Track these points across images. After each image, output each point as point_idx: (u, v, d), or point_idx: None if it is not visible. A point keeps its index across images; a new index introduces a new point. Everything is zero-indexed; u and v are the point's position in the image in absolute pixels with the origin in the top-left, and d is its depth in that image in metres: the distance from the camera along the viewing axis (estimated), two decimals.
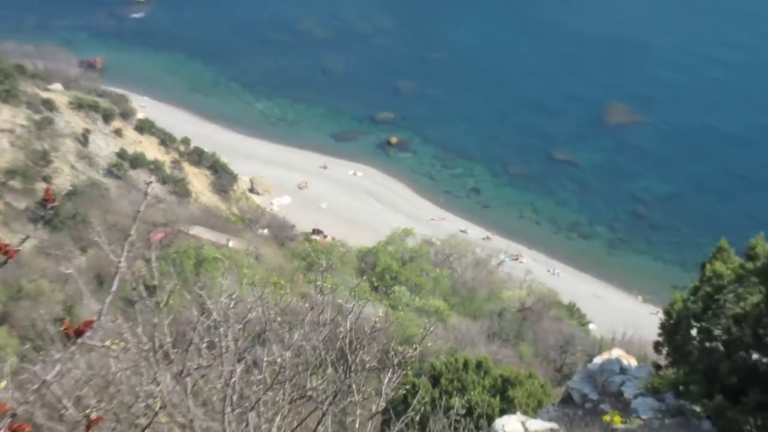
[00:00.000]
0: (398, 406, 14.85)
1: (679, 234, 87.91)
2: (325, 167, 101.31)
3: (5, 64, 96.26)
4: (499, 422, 15.63)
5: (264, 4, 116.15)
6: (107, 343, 11.05)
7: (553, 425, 15.92)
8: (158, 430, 10.40)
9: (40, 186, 79.16)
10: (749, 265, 17.38)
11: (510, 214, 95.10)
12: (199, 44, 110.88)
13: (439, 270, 74.26)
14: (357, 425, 12.48)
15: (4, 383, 4.52)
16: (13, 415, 3.15)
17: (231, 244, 76.11)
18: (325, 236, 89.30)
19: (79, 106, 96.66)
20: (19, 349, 35.58)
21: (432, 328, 37.71)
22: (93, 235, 54.99)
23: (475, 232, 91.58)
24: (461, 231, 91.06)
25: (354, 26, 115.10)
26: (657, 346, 18.67)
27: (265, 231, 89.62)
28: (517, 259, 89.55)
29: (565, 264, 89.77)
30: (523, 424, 15.65)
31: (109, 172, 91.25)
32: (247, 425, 10.83)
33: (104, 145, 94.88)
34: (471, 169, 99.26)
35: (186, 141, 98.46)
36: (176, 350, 11.63)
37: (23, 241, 3.25)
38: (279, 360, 11.85)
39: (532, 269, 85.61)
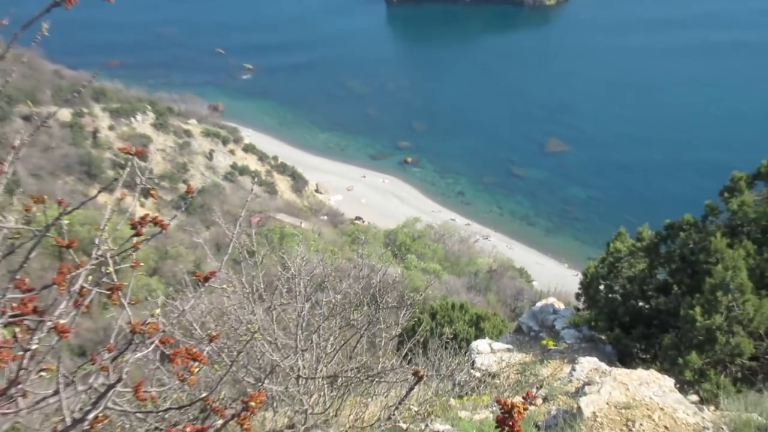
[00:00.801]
0: (408, 333, 14.80)
1: (592, 224, 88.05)
2: (364, 176, 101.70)
3: (160, 106, 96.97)
4: (474, 344, 15.58)
5: (328, 72, 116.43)
6: (223, 286, 11.11)
7: (509, 346, 15.89)
8: (254, 345, 10.44)
9: (182, 186, 79.56)
10: (638, 244, 17.40)
11: (483, 209, 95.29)
12: (285, 96, 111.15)
13: (436, 244, 74.53)
14: (383, 344, 12.48)
15: (158, 311, 4.51)
16: (163, 332, 3.14)
17: (303, 225, 76.31)
18: (363, 221, 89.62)
19: (207, 134, 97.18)
20: (165, 290, 35.69)
21: (431, 282, 37.70)
22: (214, 217, 55.01)
23: (460, 221, 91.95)
24: (451, 219, 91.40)
25: (384, 85, 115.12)
26: (577, 296, 18.68)
27: (325, 217, 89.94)
28: (487, 238, 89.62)
29: (518, 242, 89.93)
30: (490, 345, 15.60)
31: (225, 177, 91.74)
32: (311, 342, 10.82)
33: (222, 160, 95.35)
34: (458, 179, 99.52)
35: (275, 158, 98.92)
36: (266, 293, 11.68)
37: (171, 219, 3.26)
38: (333, 300, 11.85)
39: (496, 245, 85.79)
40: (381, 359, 12.14)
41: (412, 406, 10.99)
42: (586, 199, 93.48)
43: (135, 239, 3.34)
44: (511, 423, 2.19)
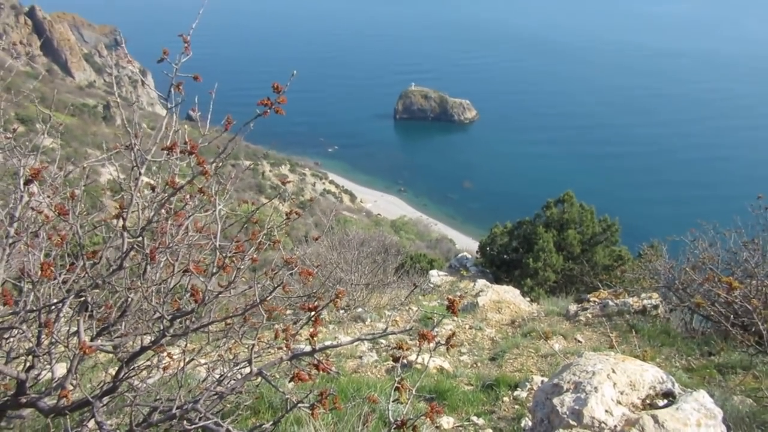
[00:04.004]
0: (400, 266, 14.73)
1: (483, 220, 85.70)
2: (382, 196, 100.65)
3: (293, 162, 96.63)
4: (430, 272, 15.41)
5: (367, 151, 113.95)
6: (320, 242, 11.03)
7: (446, 273, 15.73)
8: (334, 270, 10.35)
9: (302, 197, 78.95)
10: (505, 229, 17.20)
11: (434, 211, 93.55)
12: (349, 160, 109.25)
13: (413, 227, 73.95)
14: (390, 269, 12.42)
15: (297, 253, 4.47)
16: (295, 262, 3.13)
17: (354, 217, 75.81)
18: (381, 216, 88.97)
19: (313, 175, 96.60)
20: (294, 243, 35.41)
21: (411, 244, 37.16)
22: (317, 212, 54.58)
23: (424, 217, 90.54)
24: (420, 216, 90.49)
25: (391, 156, 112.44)
26: (477, 252, 18.48)
27: (364, 214, 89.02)
28: (436, 225, 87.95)
29: (450, 227, 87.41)
30: (437, 272, 15.43)
31: (321, 194, 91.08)
32: (358, 268, 10.76)
33: (319, 186, 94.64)
34: (424, 199, 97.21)
35: (343, 186, 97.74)
36: (338, 246, 11.62)
37: (301, 214, 3.24)
38: (368, 250, 11.77)
39: (440, 228, 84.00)
40: (389, 277, 12.10)
41: (402, 299, 10.97)
42: (480, 207, 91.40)
43: (284, 220, 3.36)
44: (453, 307, 2.18)
